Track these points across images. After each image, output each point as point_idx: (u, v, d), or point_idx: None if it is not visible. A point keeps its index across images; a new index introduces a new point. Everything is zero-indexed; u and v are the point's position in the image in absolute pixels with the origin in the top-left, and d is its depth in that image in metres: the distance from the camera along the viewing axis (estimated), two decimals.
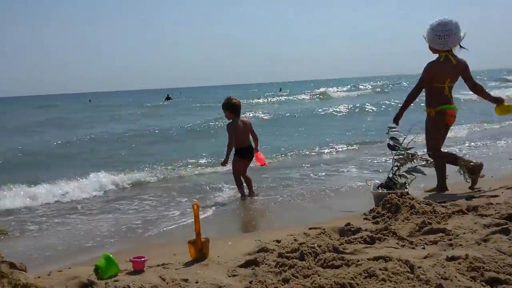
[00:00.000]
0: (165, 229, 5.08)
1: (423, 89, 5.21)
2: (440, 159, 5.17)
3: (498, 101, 5.18)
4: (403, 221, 3.73)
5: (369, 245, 3.26)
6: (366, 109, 21.79)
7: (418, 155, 4.89)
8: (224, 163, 6.28)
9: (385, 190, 4.75)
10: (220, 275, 2.88)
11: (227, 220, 5.42)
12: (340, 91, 45.74)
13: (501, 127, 12.45)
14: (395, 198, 4.09)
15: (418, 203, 3.97)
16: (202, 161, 9.52)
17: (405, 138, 4.95)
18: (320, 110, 21.71)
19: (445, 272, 2.51)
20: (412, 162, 4.89)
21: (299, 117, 19.62)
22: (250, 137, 6.37)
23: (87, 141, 14.57)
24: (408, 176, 4.87)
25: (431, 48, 5.09)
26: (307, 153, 10.15)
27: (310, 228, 3.80)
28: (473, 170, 4.99)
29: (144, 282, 2.68)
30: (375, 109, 21.63)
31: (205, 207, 5.79)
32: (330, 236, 3.46)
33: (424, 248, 3.16)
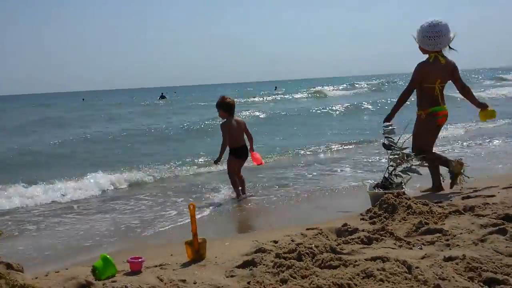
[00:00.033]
0: (161, 229, 5.08)
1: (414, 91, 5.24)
2: (432, 161, 5.19)
3: (482, 106, 5.23)
4: (400, 221, 3.73)
5: (366, 246, 3.27)
6: (363, 107, 21.83)
7: (413, 156, 4.91)
8: (216, 162, 6.30)
9: (381, 190, 4.76)
10: (218, 276, 2.88)
11: (224, 221, 5.42)
12: (336, 90, 45.73)
13: (495, 126, 12.48)
14: (391, 198, 4.09)
15: (415, 203, 3.97)
16: (199, 160, 9.51)
17: (400, 137, 4.96)
18: (316, 109, 21.71)
19: (442, 273, 2.52)
20: (407, 162, 4.90)
21: (294, 116, 19.60)
22: (245, 136, 6.38)
23: (82, 140, 14.52)
24: (404, 176, 4.89)
25: (421, 49, 5.13)
26: (302, 152, 10.15)
27: (307, 229, 3.80)
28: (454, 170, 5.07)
29: (141, 283, 2.68)
30: (371, 107, 21.65)
31: (202, 207, 5.79)
32: (327, 237, 3.46)
33: (421, 249, 3.17)
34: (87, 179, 7.65)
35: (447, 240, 3.24)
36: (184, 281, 2.78)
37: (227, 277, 2.87)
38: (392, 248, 3.17)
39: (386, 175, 4.93)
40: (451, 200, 4.55)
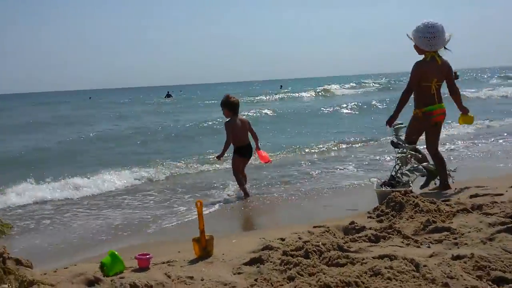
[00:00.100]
0: (169, 226, 5.10)
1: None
2: (440, 161, 5.20)
3: (464, 110, 5.39)
4: (407, 219, 3.72)
5: (373, 244, 3.26)
6: (373, 106, 21.70)
7: (417, 149, 4.94)
8: (219, 157, 6.41)
9: (388, 188, 4.75)
10: (225, 273, 2.89)
11: (231, 218, 5.43)
12: (343, 88, 45.49)
13: (501, 126, 12.40)
14: (399, 196, 4.08)
15: (422, 202, 3.96)
16: (207, 158, 9.52)
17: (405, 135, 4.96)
18: (324, 108, 21.62)
19: (451, 271, 2.51)
20: (415, 162, 4.91)
21: (302, 115, 19.55)
22: (250, 135, 6.41)
23: (92, 138, 14.66)
24: (411, 174, 4.88)
25: (417, 49, 5.20)
26: (307, 150, 10.11)
27: (314, 227, 3.79)
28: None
29: (149, 279, 2.69)
30: (380, 106, 21.50)
31: (209, 204, 5.80)
32: (334, 235, 3.46)
33: (429, 247, 3.16)
34: (98, 176, 7.72)
35: (455, 238, 3.23)
36: (191, 277, 2.79)
37: (234, 274, 2.88)
38: (400, 247, 3.16)
39: (393, 174, 4.92)
40: (458, 199, 4.53)
